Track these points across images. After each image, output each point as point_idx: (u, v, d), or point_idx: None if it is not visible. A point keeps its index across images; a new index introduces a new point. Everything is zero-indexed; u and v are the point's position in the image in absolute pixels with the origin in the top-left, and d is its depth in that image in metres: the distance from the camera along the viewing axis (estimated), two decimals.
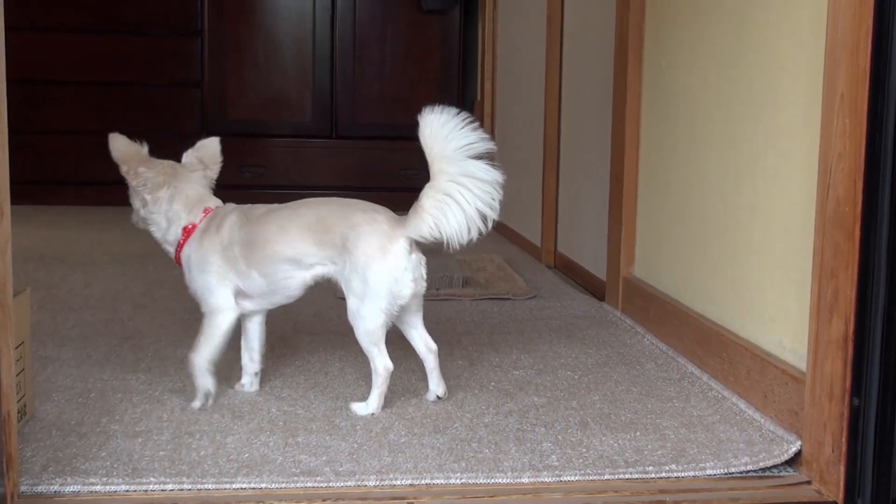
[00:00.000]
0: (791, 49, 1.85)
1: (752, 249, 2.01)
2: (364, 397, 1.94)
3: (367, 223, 1.87)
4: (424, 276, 1.92)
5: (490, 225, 1.84)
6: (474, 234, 1.83)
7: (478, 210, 1.82)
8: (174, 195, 1.99)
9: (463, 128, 1.80)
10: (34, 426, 1.77)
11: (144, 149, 2.02)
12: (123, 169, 2.01)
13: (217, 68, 5.34)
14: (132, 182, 2.01)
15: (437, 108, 1.80)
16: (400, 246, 1.86)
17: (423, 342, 1.99)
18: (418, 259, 1.90)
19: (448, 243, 1.84)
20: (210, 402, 1.91)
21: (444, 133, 1.80)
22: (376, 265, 1.84)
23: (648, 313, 2.56)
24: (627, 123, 2.72)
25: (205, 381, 1.91)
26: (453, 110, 1.81)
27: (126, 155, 2.00)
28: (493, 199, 1.84)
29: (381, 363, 1.89)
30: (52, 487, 1.53)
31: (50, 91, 5.25)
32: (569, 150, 3.62)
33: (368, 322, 1.86)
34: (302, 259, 1.89)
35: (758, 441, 1.76)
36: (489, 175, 1.83)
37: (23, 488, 1.51)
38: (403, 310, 1.92)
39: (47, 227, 4.41)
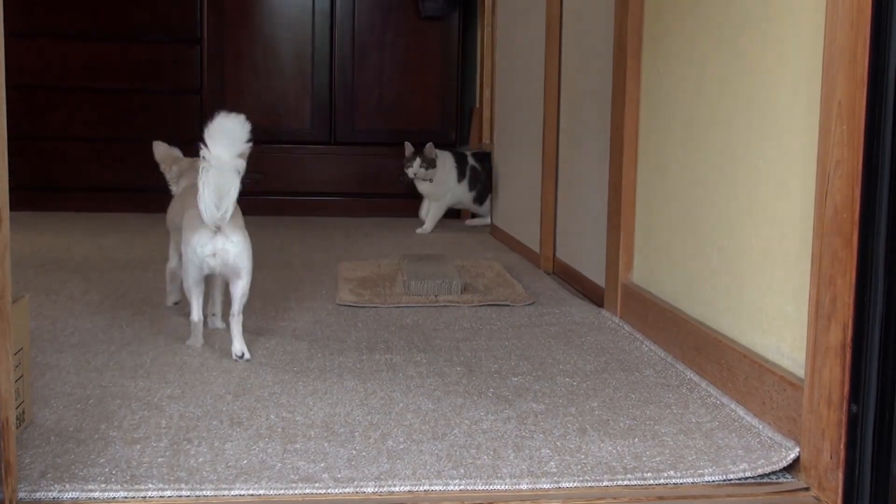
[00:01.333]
0: (789, 56, 1.86)
1: (751, 256, 2.02)
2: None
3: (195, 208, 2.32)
4: (228, 252, 2.35)
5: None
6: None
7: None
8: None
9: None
10: (33, 432, 1.77)
11: (177, 152, 2.79)
12: (162, 167, 2.76)
13: (216, 75, 5.35)
14: (166, 176, 2.77)
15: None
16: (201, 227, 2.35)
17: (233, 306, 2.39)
18: (223, 239, 2.35)
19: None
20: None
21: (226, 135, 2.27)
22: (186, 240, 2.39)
23: (647, 319, 2.56)
24: (626, 130, 2.72)
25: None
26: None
27: (162, 156, 2.77)
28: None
29: (192, 311, 2.44)
30: (50, 494, 1.53)
31: (49, 97, 5.26)
32: (567, 156, 3.63)
33: (185, 281, 2.43)
34: None
35: (756, 447, 1.77)
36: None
37: (21, 495, 1.51)
38: (226, 275, 2.41)
39: (47, 234, 4.41)
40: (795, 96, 1.83)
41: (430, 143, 4.79)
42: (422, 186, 4.85)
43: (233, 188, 2.27)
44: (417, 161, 4.74)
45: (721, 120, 2.17)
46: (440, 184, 4.84)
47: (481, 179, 4.95)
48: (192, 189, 2.37)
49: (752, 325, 2.00)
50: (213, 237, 2.34)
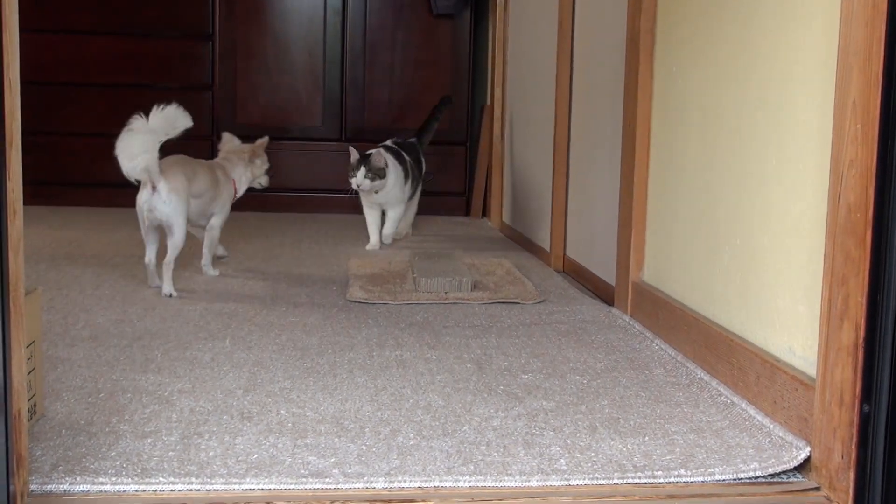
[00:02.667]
0: (803, 55, 1.85)
1: (763, 255, 2.01)
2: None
3: None
4: (159, 210, 2.98)
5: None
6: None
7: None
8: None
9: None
10: (44, 425, 1.78)
11: (237, 141, 3.53)
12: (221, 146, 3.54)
13: (228, 71, 5.36)
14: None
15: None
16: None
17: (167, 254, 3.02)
18: (157, 197, 2.96)
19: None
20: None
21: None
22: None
23: (657, 318, 2.56)
24: (638, 128, 2.72)
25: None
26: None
27: (224, 144, 3.52)
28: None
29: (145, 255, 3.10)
30: (61, 487, 1.53)
31: (62, 93, 5.27)
32: (579, 154, 3.63)
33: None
34: None
35: (767, 447, 1.76)
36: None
37: (32, 487, 1.51)
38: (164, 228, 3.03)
39: (59, 228, 4.42)
40: (809, 95, 1.82)
41: (380, 150, 4.04)
42: (369, 197, 4.11)
43: (141, 150, 2.84)
44: (362, 171, 3.94)
45: (734, 119, 2.17)
46: (388, 194, 4.10)
47: (416, 176, 4.37)
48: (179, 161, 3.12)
49: (764, 324, 2.00)
50: (151, 195, 2.95)
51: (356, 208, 5.32)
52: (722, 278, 2.22)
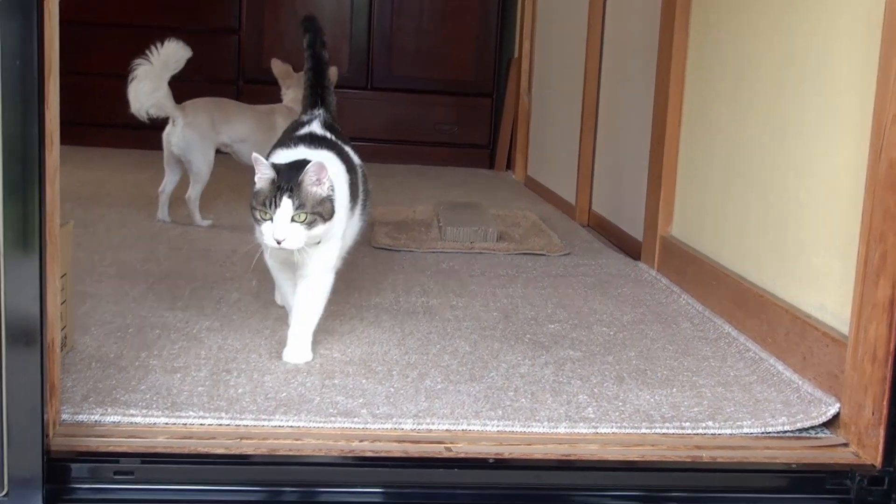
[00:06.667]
0: (849, 6, 1.82)
1: (797, 211, 1.99)
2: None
3: None
4: (173, 142, 3.13)
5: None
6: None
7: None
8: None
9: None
10: (74, 358, 1.79)
11: (290, 68, 3.38)
12: (280, 83, 3.40)
13: (255, 16, 5.32)
14: (282, 90, 3.40)
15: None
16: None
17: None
18: (175, 130, 3.12)
19: None
20: None
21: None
22: None
23: (685, 273, 2.55)
24: (672, 82, 2.68)
25: None
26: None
27: (280, 73, 3.39)
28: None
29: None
30: (92, 417, 1.54)
31: (89, 33, 5.25)
32: (608, 107, 3.59)
33: None
34: None
35: (795, 402, 1.76)
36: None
37: (64, 416, 1.52)
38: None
39: (84, 168, 4.42)
40: (854, 47, 1.79)
41: (320, 163, 1.77)
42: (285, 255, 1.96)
43: (150, 91, 3.01)
44: (287, 205, 1.75)
45: (774, 71, 2.14)
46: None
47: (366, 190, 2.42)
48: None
49: (796, 280, 1.98)
50: (172, 127, 3.12)
51: (379, 157, 5.27)
52: (754, 234, 2.20)
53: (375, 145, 5.40)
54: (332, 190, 1.79)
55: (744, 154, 2.27)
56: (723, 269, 2.33)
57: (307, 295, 1.90)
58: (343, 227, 1.91)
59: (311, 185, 1.75)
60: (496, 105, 5.43)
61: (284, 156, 1.88)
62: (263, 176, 1.77)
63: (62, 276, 1.72)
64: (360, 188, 2.07)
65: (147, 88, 3.03)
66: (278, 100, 3.42)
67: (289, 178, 1.75)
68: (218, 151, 3.23)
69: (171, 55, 3.06)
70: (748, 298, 2.15)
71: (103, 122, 5.28)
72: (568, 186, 4.00)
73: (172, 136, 3.13)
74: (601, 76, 3.69)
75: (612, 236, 3.39)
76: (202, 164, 3.16)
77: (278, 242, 1.74)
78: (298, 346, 1.88)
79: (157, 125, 3.14)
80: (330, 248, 1.88)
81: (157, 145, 3.18)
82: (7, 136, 1.28)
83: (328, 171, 1.77)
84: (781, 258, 2.06)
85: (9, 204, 1.30)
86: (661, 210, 2.75)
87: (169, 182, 3.24)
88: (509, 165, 5.30)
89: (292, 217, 1.74)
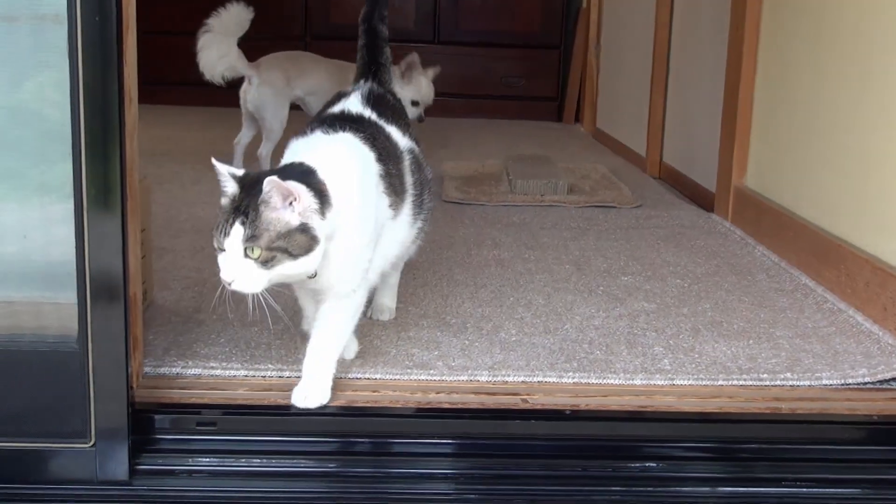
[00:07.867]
0: None
1: (879, 160, 1.95)
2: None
3: None
4: (248, 100, 3.24)
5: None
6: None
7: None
8: None
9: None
10: (154, 312, 1.82)
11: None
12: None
13: None
14: None
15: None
16: None
17: None
18: (249, 87, 3.22)
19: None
20: None
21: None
22: None
23: (760, 225, 2.51)
24: (747, 27, 2.63)
25: None
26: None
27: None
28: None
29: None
30: (174, 370, 1.57)
31: None
32: (679, 58, 3.53)
33: None
34: None
35: (876, 354, 1.73)
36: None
37: (147, 369, 1.56)
38: None
39: (156, 126, 4.47)
40: None
41: (274, 179, 1.36)
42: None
43: (218, 57, 3.08)
44: (239, 233, 1.38)
45: (856, 16, 2.08)
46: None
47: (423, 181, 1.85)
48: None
49: (877, 230, 1.94)
50: (248, 85, 3.22)
51: (447, 111, 5.25)
52: (833, 184, 2.16)
53: (443, 100, 5.37)
54: (320, 211, 1.35)
55: (822, 102, 2.22)
56: (800, 219, 2.29)
57: (325, 322, 1.50)
58: (375, 235, 1.50)
59: (272, 209, 1.33)
60: (564, 57, 5.37)
61: (296, 146, 1.53)
62: (225, 189, 1.43)
63: (142, 232, 1.75)
64: (409, 179, 1.64)
65: (215, 55, 3.10)
66: (340, 56, 3.42)
67: (248, 195, 1.36)
68: (294, 107, 3.27)
69: (231, 18, 3.11)
70: (827, 249, 2.11)
71: (174, 81, 5.32)
72: (638, 138, 3.95)
73: (248, 94, 3.23)
74: (672, 25, 3.63)
75: (683, 188, 3.35)
76: (275, 121, 3.22)
77: (229, 284, 1.36)
78: (312, 387, 1.47)
79: (228, 83, 3.18)
80: (350, 265, 1.46)
81: (227, 102, 3.23)
82: (88, 92, 1.30)
83: (302, 189, 1.32)
84: (862, 208, 2.01)
85: (90, 159, 1.32)
86: (734, 161, 2.70)
87: (245, 135, 3.34)
88: (578, 118, 5.25)
89: (244, 251, 1.34)
